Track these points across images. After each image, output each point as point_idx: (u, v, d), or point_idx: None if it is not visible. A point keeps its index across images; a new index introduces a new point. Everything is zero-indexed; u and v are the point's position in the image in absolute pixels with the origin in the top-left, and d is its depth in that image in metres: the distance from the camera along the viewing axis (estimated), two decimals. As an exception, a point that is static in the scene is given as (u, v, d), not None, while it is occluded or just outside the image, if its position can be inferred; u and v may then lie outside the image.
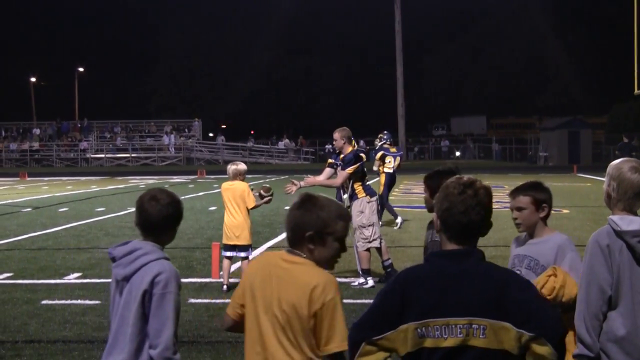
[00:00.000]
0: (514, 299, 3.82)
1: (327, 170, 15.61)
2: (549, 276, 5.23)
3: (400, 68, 60.52)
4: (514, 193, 6.05)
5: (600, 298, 4.88)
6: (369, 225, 14.46)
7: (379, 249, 14.38)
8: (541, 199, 6.01)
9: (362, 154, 15.47)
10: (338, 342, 4.16)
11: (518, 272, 5.39)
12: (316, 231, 4.37)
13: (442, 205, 4.02)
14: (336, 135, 15.11)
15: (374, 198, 15.02)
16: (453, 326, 3.80)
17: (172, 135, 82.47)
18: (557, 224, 22.80)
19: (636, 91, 42.43)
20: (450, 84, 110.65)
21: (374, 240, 14.29)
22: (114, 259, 4.98)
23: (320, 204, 4.47)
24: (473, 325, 3.79)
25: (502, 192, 35.04)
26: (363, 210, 14.44)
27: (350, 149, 14.93)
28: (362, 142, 29.48)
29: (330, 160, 15.56)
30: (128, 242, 5.05)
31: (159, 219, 5.04)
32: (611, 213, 5.12)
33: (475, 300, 3.81)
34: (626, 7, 41.53)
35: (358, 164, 14.75)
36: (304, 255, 4.37)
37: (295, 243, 4.45)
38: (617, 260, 4.89)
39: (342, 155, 14.92)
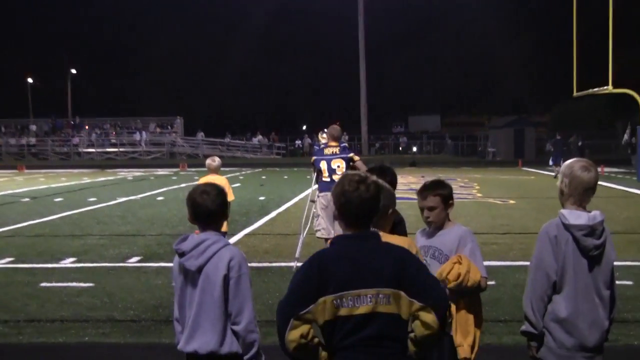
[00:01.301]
0: (410, 274, 4.13)
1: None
2: (454, 263, 5.66)
3: (363, 71, 60.49)
4: (423, 193, 6.13)
5: (546, 283, 5.14)
6: (316, 216, 14.46)
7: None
8: (448, 195, 6.14)
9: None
10: None
11: (424, 262, 5.56)
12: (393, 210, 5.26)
13: (340, 200, 4.28)
14: (327, 131, 15.11)
15: (323, 193, 14.86)
16: (364, 296, 4.06)
17: (144, 132, 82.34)
18: (505, 213, 23.08)
19: (575, 93, 42.73)
20: (408, 85, 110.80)
21: (317, 229, 14.25)
22: (182, 253, 5.02)
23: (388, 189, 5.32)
24: (380, 295, 4.07)
25: (455, 184, 35.27)
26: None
27: (333, 144, 14.86)
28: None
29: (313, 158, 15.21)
30: (188, 236, 5.13)
31: (215, 209, 5.14)
32: (559, 205, 5.28)
33: (381, 273, 4.09)
34: (568, 18, 41.66)
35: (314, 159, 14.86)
36: None
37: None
38: (563, 250, 5.13)
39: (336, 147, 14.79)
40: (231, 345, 4.95)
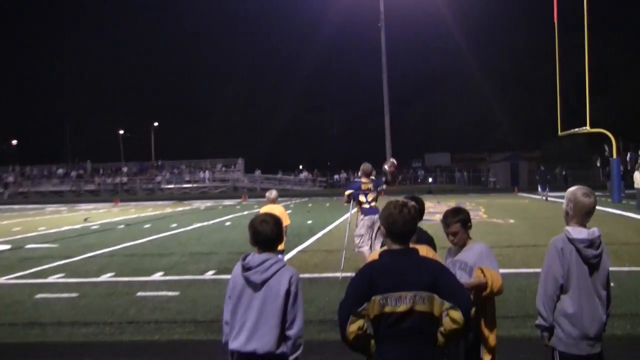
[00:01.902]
0: (443, 282, 4.31)
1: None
2: (480, 275, 5.76)
3: (387, 118, 60.34)
4: (447, 221, 6.17)
5: (554, 285, 5.26)
6: (357, 236, 14.53)
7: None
8: (466, 219, 6.19)
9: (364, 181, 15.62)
10: None
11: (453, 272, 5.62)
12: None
13: (388, 220, 4.48)
14: (361, 168, 15.27)
15: (367, 217, 14.89)
16: (404, 297, 4.24)
17: (207, 171, 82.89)
18: (506, 230, 22.94)
19: (560, 133, 42.71)
20: (424, 129, 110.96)
21: (360, 247, 14.31)
22: (249, 268, 5.01)
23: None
24: (417, 297, 4.25)
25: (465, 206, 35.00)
26: (356, 224, 14.58)
27: (364, 180, 15.09)
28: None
29: (348, 191, 15.26)
30: (249, 254, 5.13)
31: (273, 236, 5.14)
32: (550, 223, 5.40)
33: (419, 280, 4.27)
34: (552, 73, 41.62)
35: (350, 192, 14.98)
36: None
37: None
38: (568, 259, 5.26)
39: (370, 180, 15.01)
40: (283, 347, 4.96)
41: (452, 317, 4.26)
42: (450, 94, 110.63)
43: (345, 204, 15.08)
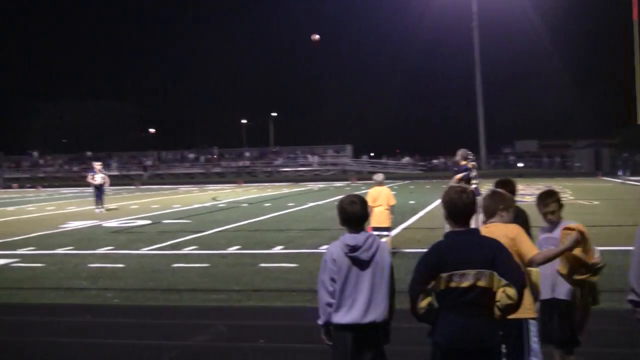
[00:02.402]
0: (500, 260, 4.33)
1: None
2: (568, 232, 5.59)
3: (480, 108, 59.58)
4: (546, 201, 6.06)
5: None
6: None
7: None
8: (560, 199, 6.10)
9: (470, 165, 15.84)
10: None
11: (547, 247, 5.66)
12: (505, 206, 5.44)
13: (450, 204, 4.53)
14: (457, 153, 15.90)
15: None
16: (467, 275, 4.28)
17: (315, 156, 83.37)
18: (592, 211, 22.35)
19: (639, 121, 41.28)
20: (514, 118, 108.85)
21: None
22: (357, 248, 4.87)
23: (502, 193, 5.66)
24: (479, 274, 4.28)
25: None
26: None
27: (463, 162, 15.55)
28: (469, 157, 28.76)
29: (459, 175, 15.65)
30: (359, 235, 4.95)
31: (362, 214, 5.04)
32: (631, 204, 5.18)
33: (480, 259, 4.31)
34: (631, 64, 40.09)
35: (463, 173, 15.32)
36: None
37: (491, 215, 5.45)
38: None
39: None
40: (389, 313, 4.96)
41: (507, 293, 4.28)
42: (538, 85, 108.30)
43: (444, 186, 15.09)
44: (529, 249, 5.20)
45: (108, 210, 28.32)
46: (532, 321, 5.31)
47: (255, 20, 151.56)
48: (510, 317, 4.88)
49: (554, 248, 5.57)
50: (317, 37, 15.59)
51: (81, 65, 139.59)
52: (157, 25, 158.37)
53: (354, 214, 5.01)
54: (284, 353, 7.49)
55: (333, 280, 4.93)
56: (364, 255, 4.88)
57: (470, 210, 4.53)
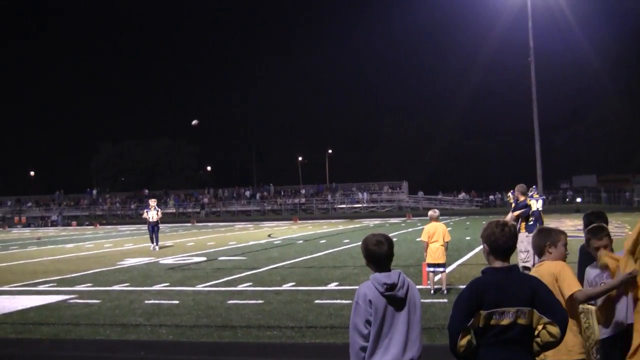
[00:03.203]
0: (541, 298, 4.28)
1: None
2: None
3: (537, 143, 58.87)
4: (599, 235, 5.91)
5: None
6: (524, 251, 14.65)
7: (527, 269, 14.18)
8: (609, 234, 6.01)
9: (529, 203, 15.91)
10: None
11: (602, 282, 5.61)
12: (552, 242, 5.33)
13: (490, 238, 4.46)
14: (516, 188, 15.99)
15: (532, 234, 15.02)
16: (507, 312, 4.24)
17: (365, 193, 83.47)
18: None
19: None
20: (573, 152, 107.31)
21: (526, 261, 14.36)
22: (394, 286, 4.77)
23: (550, 229, 5.51)
24: (518, 312, 4.24)
25: (610, 225, 33.72)
26: (522, 241, 14.49)
27: (522, 198, 15.62)
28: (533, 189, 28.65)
29: (517, 212, 15.75)
30: (391, 273, 4.87)
31: (390, 255, 4.96)
32: None
33: (520, 296, 4.26)
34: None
35: (522, 210, 15.37)
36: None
37: (540, 254, 5.34)
38: None
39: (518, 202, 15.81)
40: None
41: (549, 331, 4.26)
42: (595, 119, 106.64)
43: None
44: (570, 285, 5.12)
45: (162, 247, 28.58)
46: None
47: (310, 57, 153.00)
48: (549, 359, 4.88)
49: (600, 286, 5.52)
50: (196, 122, 15.97)
51: (140, 105, 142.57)
52: (214, 64, 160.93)
53: (382, 255, 4.92)
54: (338, 391, 7.39)
55: (368, 322, 4.77)
56: (400, 293, 4.80)
57: (512, 245, 4.47)
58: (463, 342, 4.28)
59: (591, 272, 5.88)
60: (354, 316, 4.83)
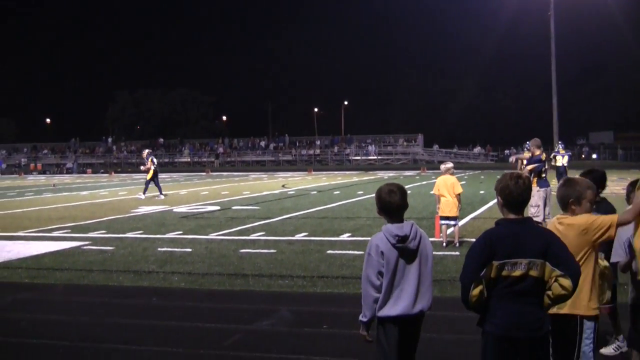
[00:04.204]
0: (554, 251, 4.25)
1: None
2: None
3: (555, 99, 58.43)
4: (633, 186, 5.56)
5: None
6: (534, 206, 14.61)
7: (538, 223, 14.13)
8: None
9: (543, 157, 15.87)
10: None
11: None
12: (576, 198, 4.96)
13: (504, 191, 4.41)
14: (531, 143, 15.95)
15: (543, 189, 15.09)
16: (519, 264, 4.23)
17: (372, 146, 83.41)
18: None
19: None
20: (589, 109, 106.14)
21: (536, 216, 14.31)
22: (406, 238, 4.76)
23: (576, 181, 5.08)
24: (531, 263, 4.22)
25: (625, 182, 33.52)
26: (533, 195, 14.43)
27: (537, 152, 15.54)
28: (560, 145, 28.47)
29: (530, 166, 15.71)
30: (403, 225, 4.85)
31: (402, 205, 4.92)
32: None
33: (533, 248, 4.23)
34: None
35: (535, 165, 15.27)
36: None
37: (564, 208, 5.04)
38: None
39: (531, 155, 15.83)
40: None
41: (561, 284, 4.22)
42: (614, 75, 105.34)
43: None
44: (607, 220, 4.88)
45: (174, 196, 28.72)
46: (589, 322, 4.87)
47: (329, 9, 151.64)
48: (564, 312, 4.76)
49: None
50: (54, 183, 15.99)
51: (157, 55, 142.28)
52: (232, 16, 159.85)
53: (394, 204, 4.90)
54: (347, 339, 7.41)
55: (380, 274, 4.79)
56: (411, 244, 4.80)
57: (526, 197, 4.43)
58: (475, 292, 4.24)
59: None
60: (366, 267, 4.85)
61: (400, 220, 4.89)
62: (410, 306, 4.77)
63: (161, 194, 28.20)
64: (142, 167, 29.66)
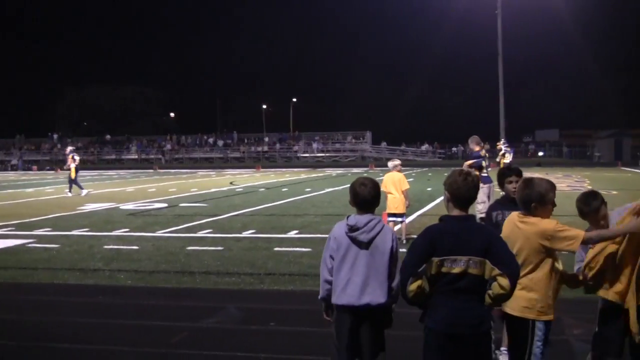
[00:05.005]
0: (495, 250, 4.23)
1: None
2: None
3: (502, 97, 59.25)
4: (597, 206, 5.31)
5: None
6: (481, 202, 14.79)
7: (482, 219, 14.28)
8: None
9: (482, 154, 16.11)
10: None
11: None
12: (538, 201, 4.87)
13: (452, 187, 4.41)
14: (470, 140, 16.20)
15: (486, 185, 15.28)
16: (459, 260, 4.22)
17: (316, 143, 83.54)
18: (609, 201, 22.02)
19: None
20: (535, 107, 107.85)
21: (482, 213, 14.48)
22: (356, 228, 4.88)
23: (537, 182, 4.96)
24: (470, 261, 4.21)
25: (571, 179, 34.21)
26: None
27: (477, 149, 15.77)
28: (503, 143, 28.70)
29: (469, 162, 16.12)
30: (363, 217, 4.94)
31: (370, 198, 4.99)
32: None
33: (474, 246, 4.22)
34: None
35: (474, 160, 15.54)
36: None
37: (526, 209, 4.92)
38: None
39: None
40: (388, 297, 4.89)
41: (500, 283, 4.21)
42: (560, 74, 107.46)
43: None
44: (577, 233, 4.78)
45: (124, 193, 28.45)
46: (540, 324, 4.82)
47: (278, 5, 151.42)
48: (517, 314, 4.81)
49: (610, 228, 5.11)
50: None
51: (104, 51, 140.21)
52: (181, 11, 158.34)
53: (361, 196, 5.00)
54: (294, 336, 7.45)
55: (332, 257, 4.97)
56: (362, 236, 4.88)
57: (473, 195, 4.44)
58: (413, 287, 4.26)
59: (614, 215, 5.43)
60: (325, 250, 5.08)
61: (368, 212, 5.00)
62: (355, 297, 4.84)
63: (70, 191, 28.39)
64: (65, 167, 29.82)
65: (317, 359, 6.72)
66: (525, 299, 4.80)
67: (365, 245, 4.88)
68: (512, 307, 4.79)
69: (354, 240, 4.90)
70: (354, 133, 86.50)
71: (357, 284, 4.86)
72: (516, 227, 4.89)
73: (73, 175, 28.43)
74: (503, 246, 4.33)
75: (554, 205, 5.00)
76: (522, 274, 4.62)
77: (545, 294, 4.83)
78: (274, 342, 7.28)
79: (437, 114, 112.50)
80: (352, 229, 4.90)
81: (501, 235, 4.78)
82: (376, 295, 4.84)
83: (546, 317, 4.85)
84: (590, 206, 5.31)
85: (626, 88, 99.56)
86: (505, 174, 6.46)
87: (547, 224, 4.83)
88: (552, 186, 5.05)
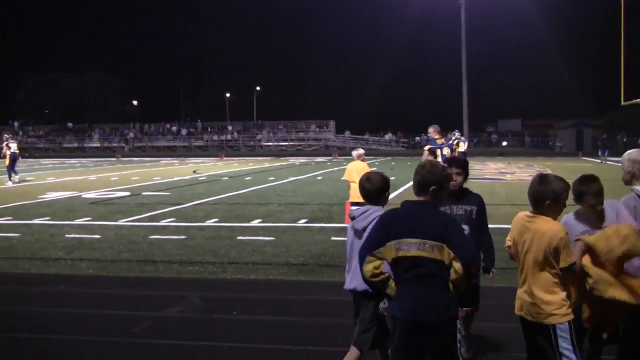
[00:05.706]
0: (451, 233, 4.28)
1: (426, 152, 16.71)
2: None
3: (465, 86, 59.66)
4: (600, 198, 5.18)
5: None
6: None
7: None
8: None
9: (440, 142, 16.78)
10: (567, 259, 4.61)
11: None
12: (553, 200, 4.76)
13: (416, 175, 4.55)
14: (430, 129, 16.69)
15: None
16: (413, 244, 4.28)
17: (270, 133, 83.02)
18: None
19: (622, 102, 41.05)
20: (498, 97, 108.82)
21: None
22: (354, 217, 5.26)
23: (552, 180, 4.85)
24: (426, 244, 4.26)
25: (533, 169, 34.58)
26: None
27: (436, 137, 16.50)
28: (457, 133, 28.88)
29: (427, 146, 16.78)
30: (365, 207, 5.27)
31: (372, 191, 5.28)
32: (608, 182, 5.11)
33: (430, 230, 4.28)
34: (617, 46, 39.88)
35: (431, 146, 16.33)
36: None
37: (537, 207, 4.78)
38: None
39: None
40: None
41: (454, 267, 4.25)
42: (523, 65, 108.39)
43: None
44: (575, 255, 4.73)
45: (86, 182, 28.19)
46: (562, 326, 4.52)
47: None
48: (533, 320, 4.63)
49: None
50: None
51: (66, 37, 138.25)
52: (144, 0, 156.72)
53: (362, 190, 5.34)
54: (257, 325, 7.44)
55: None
56: (357, 224, 5.22)
57: (431, 181, 4.49)
58: (369, 267, 4.38)
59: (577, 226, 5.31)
60: None
61: (373, 204, 5.27)
62: (348, 282, 5.36)
63: (10, 179, 28.22)
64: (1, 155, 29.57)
65: (280, 347, 6.75)
66: (543, 301, 4.58)
67: (360, 232, 5.16)
68: (528, 311, 4.64)
69: (354, 229, 5.29)
70: (318, 122, 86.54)
71: (353, 269, 5.27)
72: (524, 226, 4.73)
73: (7, 162, 28.48)
74: (459, 231, 4.39)
75: (564, 206, 4.85)
76: (533, 274, 4.64)
77: (555, 297, 4.59)
78: (236, 331, 7.27)
79: (401, 103, 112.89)
80: (352, 218, 5.32)
81: (512, 237, 4.86)
82: (360, 281, 4.94)
83: (563, 320, 4.56)
84: (590, 188, 5.26)
85: (588, 79, 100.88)
86: (449, 164, 6.03)
87: (560, 229, 4.68)
88: (568, 187, 4.89)
